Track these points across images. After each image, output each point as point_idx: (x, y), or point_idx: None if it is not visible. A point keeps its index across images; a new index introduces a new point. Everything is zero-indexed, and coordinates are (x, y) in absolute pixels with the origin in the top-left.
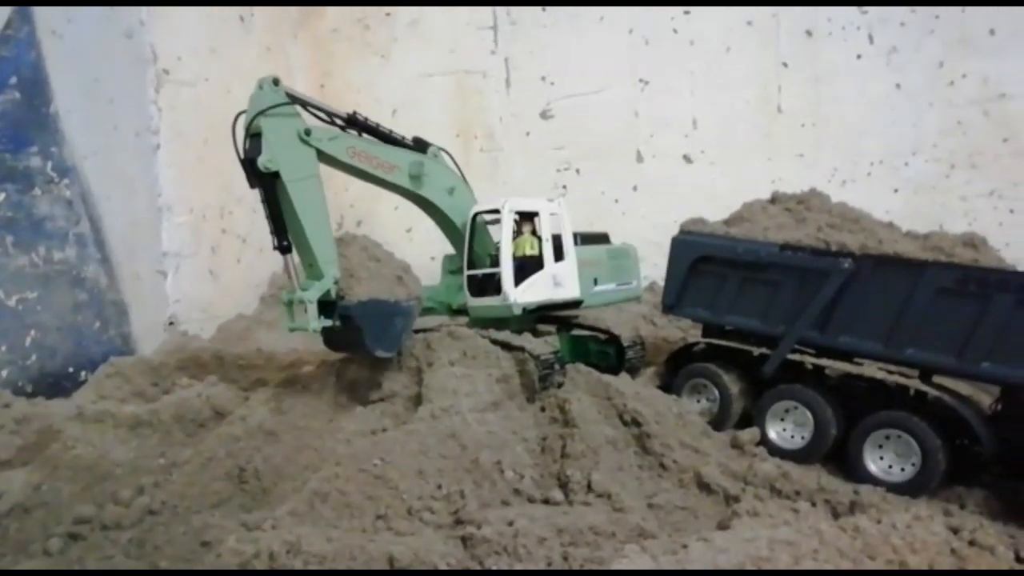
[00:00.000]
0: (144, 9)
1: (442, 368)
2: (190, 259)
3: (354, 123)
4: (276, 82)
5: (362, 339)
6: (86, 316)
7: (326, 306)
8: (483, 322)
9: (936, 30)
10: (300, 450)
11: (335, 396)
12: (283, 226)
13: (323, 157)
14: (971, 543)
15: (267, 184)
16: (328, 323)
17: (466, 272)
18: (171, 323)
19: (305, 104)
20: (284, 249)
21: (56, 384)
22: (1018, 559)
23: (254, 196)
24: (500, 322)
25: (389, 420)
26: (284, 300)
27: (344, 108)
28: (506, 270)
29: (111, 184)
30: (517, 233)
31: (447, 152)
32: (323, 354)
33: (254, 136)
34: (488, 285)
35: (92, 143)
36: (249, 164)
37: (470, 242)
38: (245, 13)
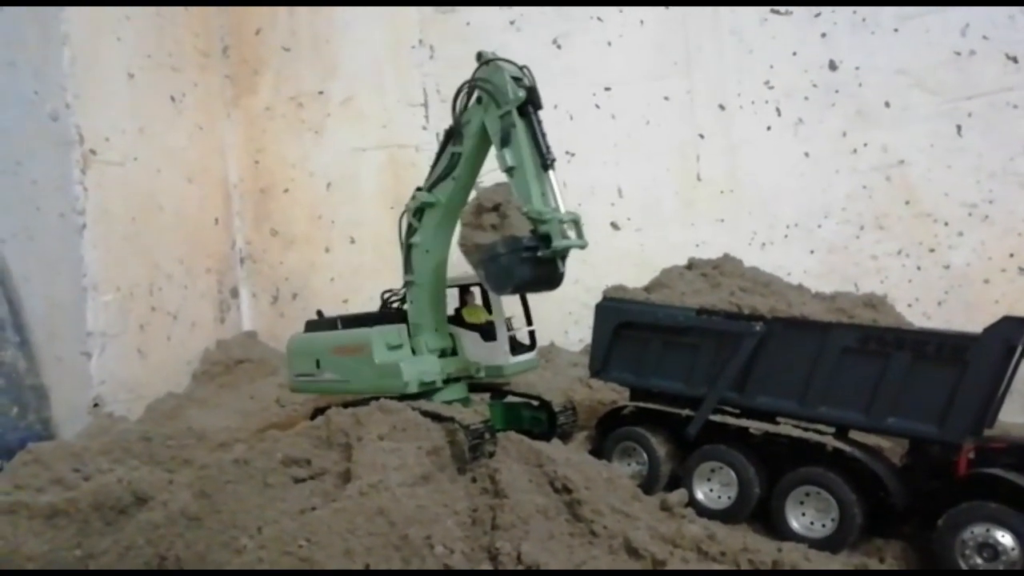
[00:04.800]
0: (70, 92)
1: (371, 443)
2: (116, 338)
3: None
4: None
5: (559, 272)
6: (2, 402)
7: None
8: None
9: (836, 103)
10: (224, 534)
11: (264, 476)
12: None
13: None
14: None
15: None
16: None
17: (505, 333)
18: (96, 405)
19: None
20: (549, 166)
21: None
22: None
23: (184, 272)
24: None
25: (318, 498)
26: (533, 216)
27: (279, 184)
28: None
29: (31, 266)
30: (463, 303)
31: None
32: (255, 430)
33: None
34: (516, 344)
35: (12, 226)
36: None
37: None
38: (176, 93)
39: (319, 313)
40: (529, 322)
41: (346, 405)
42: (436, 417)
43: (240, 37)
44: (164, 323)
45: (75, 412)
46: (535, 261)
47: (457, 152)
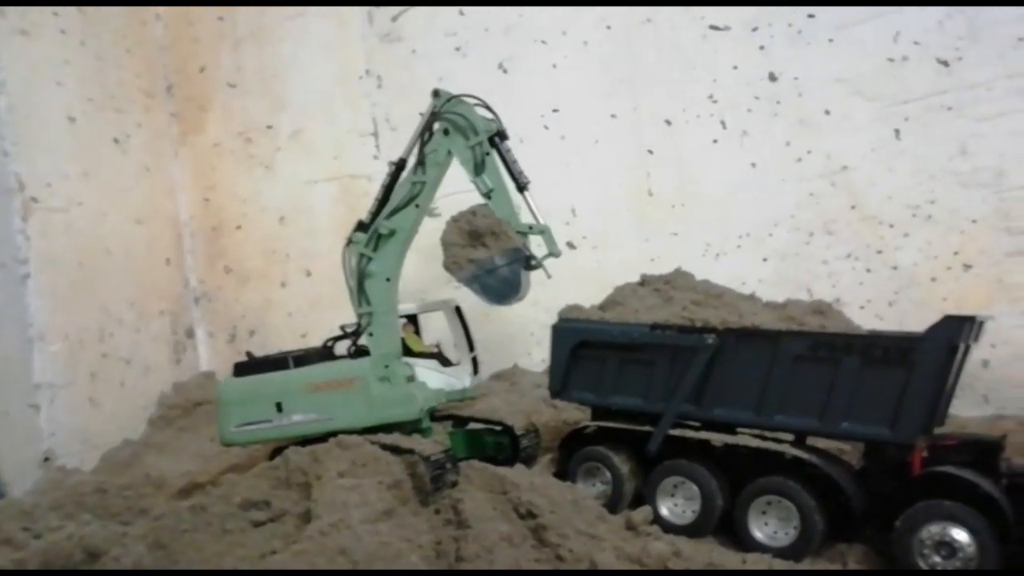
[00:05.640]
0: (8, 140)
1: (331, 481)
2: (66, 388)
3: None
4: None
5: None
6: None
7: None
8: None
9: (779, 113)
10: None
11: (222, 521)
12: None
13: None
14: None
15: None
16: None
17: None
18: (47, 459)
19: None
20: (524, 188)
21: None
22: None
23: (136, 316)
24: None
25: (279, 541)
26: (522, 230)
27: (231, 220)
28: None
29: None
30: None
31: None
32: (216, 474)
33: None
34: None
35: None
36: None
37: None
38: (120, 135)
39: (249, 355)
40: (471, 348)
41: (303, 443)
42: (395, 450)
43: (184, 75)
44: (116, 369)
45: (25, 467)
46: (526, 271)
47: (420, 181)
